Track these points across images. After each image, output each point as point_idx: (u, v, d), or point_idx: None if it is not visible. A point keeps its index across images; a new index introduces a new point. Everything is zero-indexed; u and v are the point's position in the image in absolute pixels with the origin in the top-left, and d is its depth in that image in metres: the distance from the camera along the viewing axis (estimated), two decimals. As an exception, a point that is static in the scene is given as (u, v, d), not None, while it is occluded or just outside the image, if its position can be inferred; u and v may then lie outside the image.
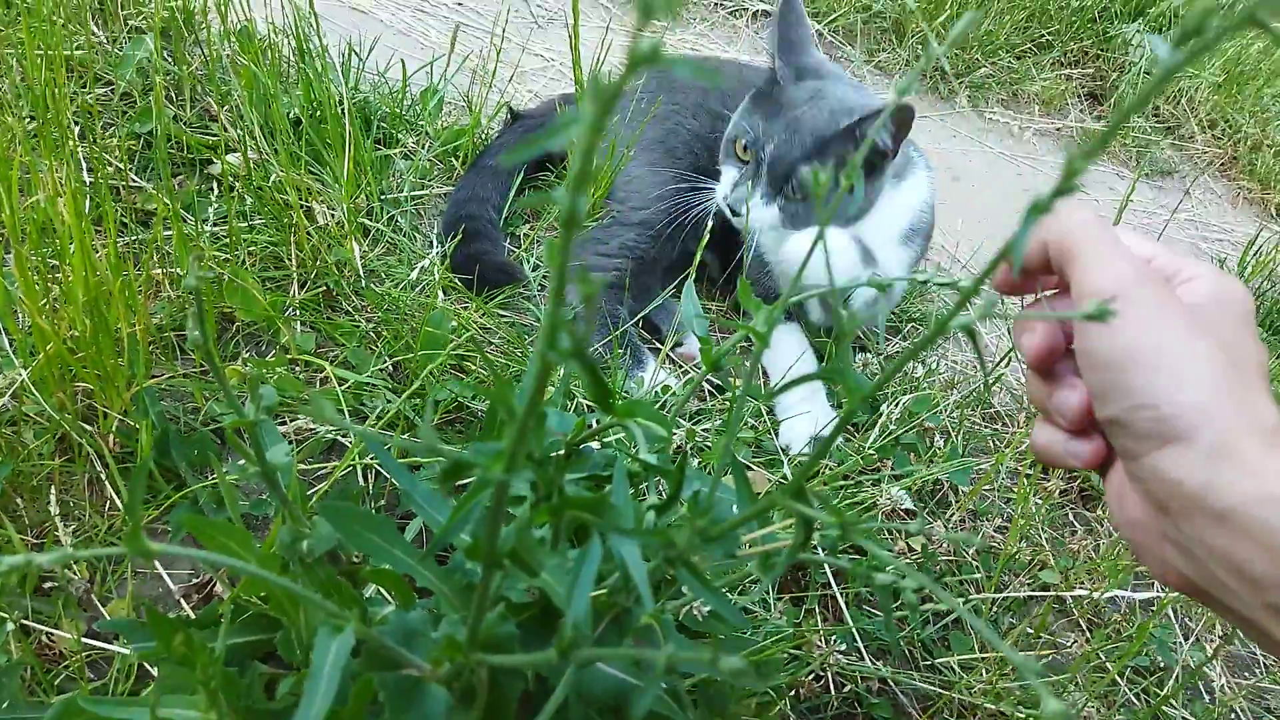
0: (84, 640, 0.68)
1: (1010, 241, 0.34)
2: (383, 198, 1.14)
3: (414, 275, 1.05)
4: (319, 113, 1.10)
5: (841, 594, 0.86)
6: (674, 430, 0.97)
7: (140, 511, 0.44)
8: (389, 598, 0.70)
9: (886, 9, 2.14)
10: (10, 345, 0.80)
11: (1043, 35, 2.21)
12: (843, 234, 1.11)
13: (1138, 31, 2.23)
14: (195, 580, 0.75)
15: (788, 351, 1.14)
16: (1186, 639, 0.95)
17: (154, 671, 0.68)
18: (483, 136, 1.31)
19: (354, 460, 0.79)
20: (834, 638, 0.81)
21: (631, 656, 0.52)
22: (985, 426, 1.12)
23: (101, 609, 0.73)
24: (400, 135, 1.25)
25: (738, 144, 1.13)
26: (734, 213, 1.12)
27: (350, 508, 0.54)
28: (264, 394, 0.54)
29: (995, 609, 0.91)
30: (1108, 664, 0.89)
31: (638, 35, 0.23)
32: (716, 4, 2.11)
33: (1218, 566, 0.38)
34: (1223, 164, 2.10)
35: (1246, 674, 0.96)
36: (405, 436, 0.87)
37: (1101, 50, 2.23)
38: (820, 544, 0.78)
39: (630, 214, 1.20)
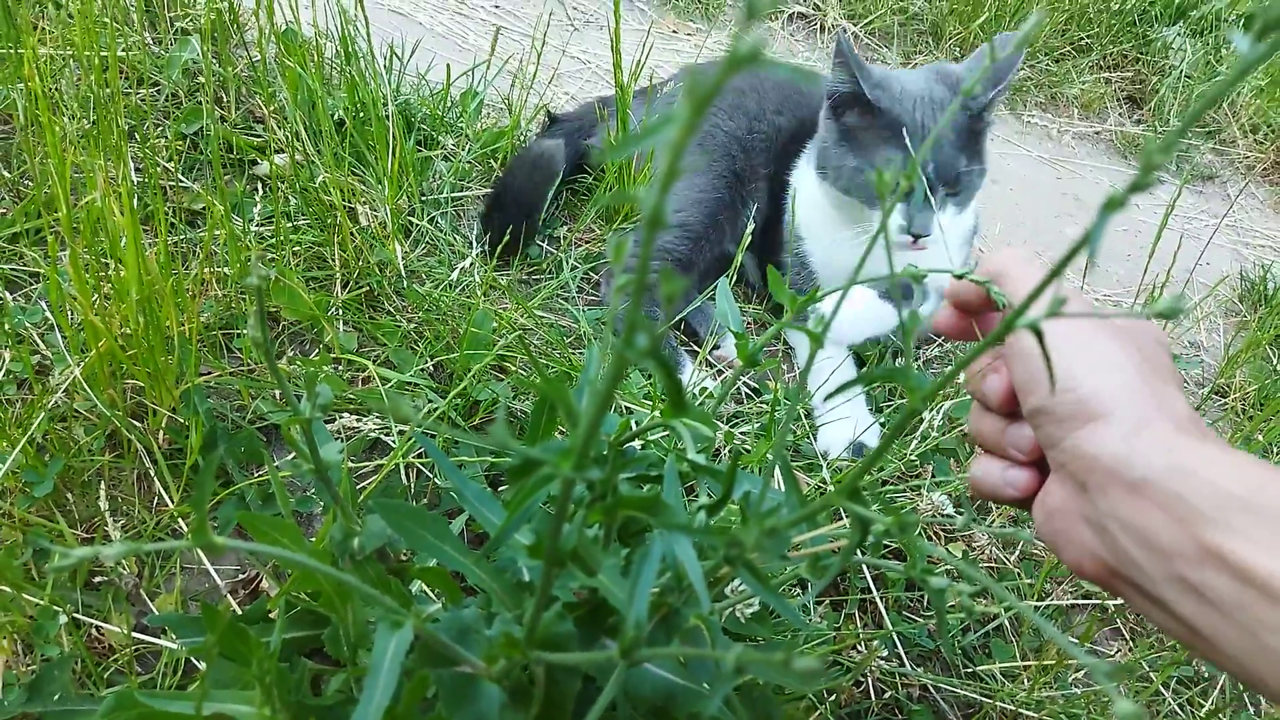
0: (133, 634, 0.69)
1: (1086, 233, 0.33)
2: (423, 198, 1.15)
3: (454, 276, 1.05)
4: (363, 114, 1.11)
5: (881, 599, 0.86)
6: (715, 431, 0.98)
7: (209, 486, 0.44)
8: (433, 596, 0.70)
9: (924, 11, 2.13)
10: (63, 341, 0.81)
11: (1082, 38, 2.19)
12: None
13: (1178, 35, 2.20)
14: (242, 576, 0.76)
15: (827, 356, 1.13)
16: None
17: (201, 666, 0.69)
18: (521, 138, 1.32)
19: (399, 458, 0.80)
20: (875, 642, 0.81)
21: (692, 659, 0.52)
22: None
23: (150, 603, 0.74)
24: (440, 137, 1.25)
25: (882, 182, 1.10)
26: (918, 236, 1.07)
27: (402, 504, 0.54)
28: (320, 392, 0.55)
29: (1038, 616, 0.90)
30: (1151, 674, 0.88)
31: (738, 37, 0.23)
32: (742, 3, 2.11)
33: (1129, 540, 0.40)
34: (1265, 169, 2.07)
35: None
36: (456, 431, 0.87)
37: (1141, 54, 2.21)
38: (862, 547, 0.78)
39: (669, 215, 1.20)
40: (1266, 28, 0.28)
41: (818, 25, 2.11)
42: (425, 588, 0.72)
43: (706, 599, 0.41)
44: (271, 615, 0.69)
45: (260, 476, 0.81)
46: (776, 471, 0.94)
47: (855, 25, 2.09)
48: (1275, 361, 1.36)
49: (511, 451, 0.33)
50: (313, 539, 0.78)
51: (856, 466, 0.43)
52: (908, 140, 1.07)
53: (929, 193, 1.06)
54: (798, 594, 0.81)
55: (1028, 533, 0.94)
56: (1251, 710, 0.92)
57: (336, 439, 0.85)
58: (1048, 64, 2.12)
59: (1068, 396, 0.43)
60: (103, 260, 0.85)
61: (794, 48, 2.05)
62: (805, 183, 1.19)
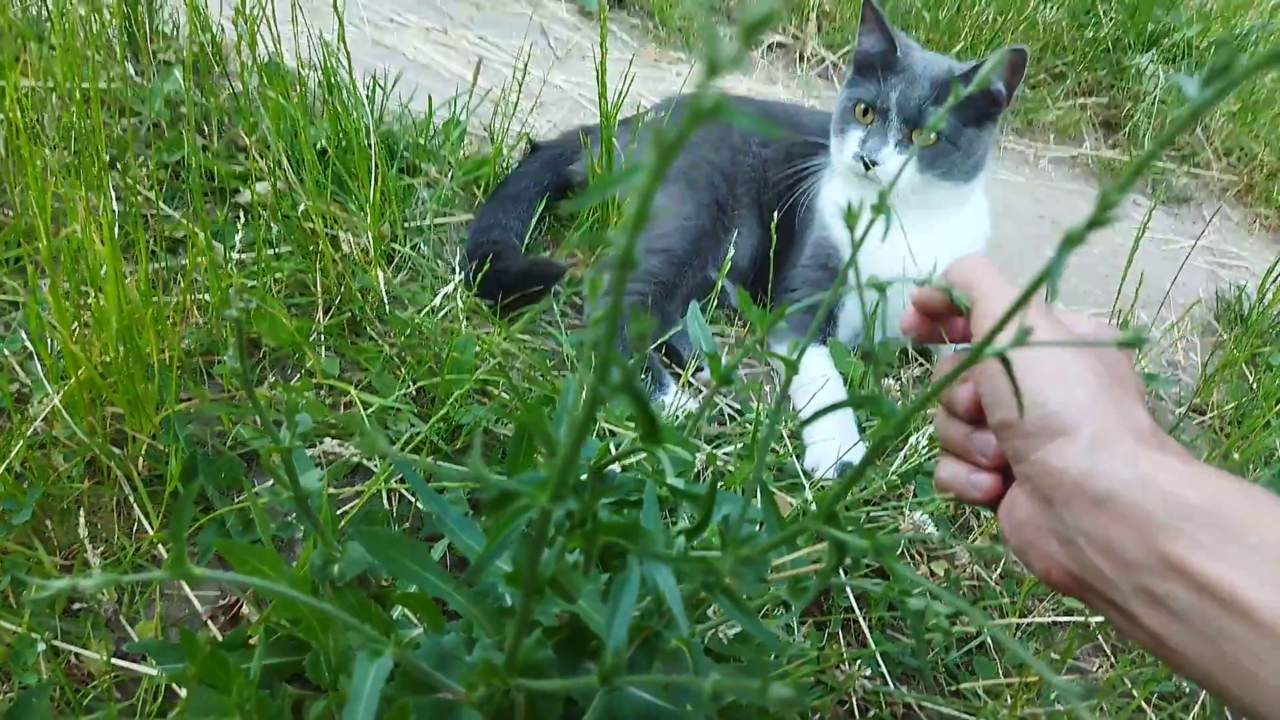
0: (112, 661, 0.69)
1: (1047, 268, 0.34)
2: (406, 225, 1.16)
3: (437, 301, 1.06)
4: (345, 143, 1.12)
5: (865, 618, 0.86)
6: (695, 454, 0.98)
7: (187, 517, 0.45)
8: (415, 620, 0.70)
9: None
10: (42, 370, 0.81)
11: (1057, 65, 2.23)
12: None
13: (1151, 62, 2.24)
14: (222, 601, 0.76)
15: (814, 375, 1.14)
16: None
17: (182, 693, 0.68)
18: (504, 166, 1.33)
19: (380, 484, 0.80)
20: (858, 662, 0.81)
21: (673, 683, 0.52)
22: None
23: (130, 630, 0.74)
24: (423, 165, 1.26)
25: (858, 108, 1.18)
26: (869, 164, 1.15)
27: (383, 532, 0.55)
28: (300, 420, 0.55)
29: (1020, 634, 0.91)
30: (1133, 690, 0.88)
31: (702, 87, 0.23)
32: (730, 36, 2.14)
33: (1095, 553, 0.41)
34: (1238, 191, 2.10)
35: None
36: (436, 461, 0.87)
37: (1115, 80, 2.25)
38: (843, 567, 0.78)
39: (654, 241, 1.21)
40: (1212, 75, 0.29)
41: (797, 54, 2.14)
42: (407, 613, 0.72)
43: (685, 623, 0.42)
44: (252, 641, 0.69)
45: (241, 503, 0.81)
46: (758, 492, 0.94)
47: (834, 54, 2.12)
48: (1252, 380, 1.37)
49: (488, 483, 0.33)
50: (294, 564, 0.78)
51: (834, 489, 0.43)
52: (879, 85, 1.15)
53: (887, 125, 1.15)
54: (780, 614, 0.81)
55: (1003, 552, 0.95)
56: (1234, 727, 0.92)
57: (318, 464, 0.85)
58: (1023, 90, 2.15)
59: (1034, 413, 0.43)
60: (83, 289, 0.85)
61: (774, 76, 2.07)
62: (828, 196, 1.25)
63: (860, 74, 1.19)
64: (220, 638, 0.73)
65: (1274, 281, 1.55)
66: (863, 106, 1.17)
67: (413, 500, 0.84)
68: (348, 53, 1.16)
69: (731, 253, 1.12)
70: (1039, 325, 0.46)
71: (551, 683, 0.44)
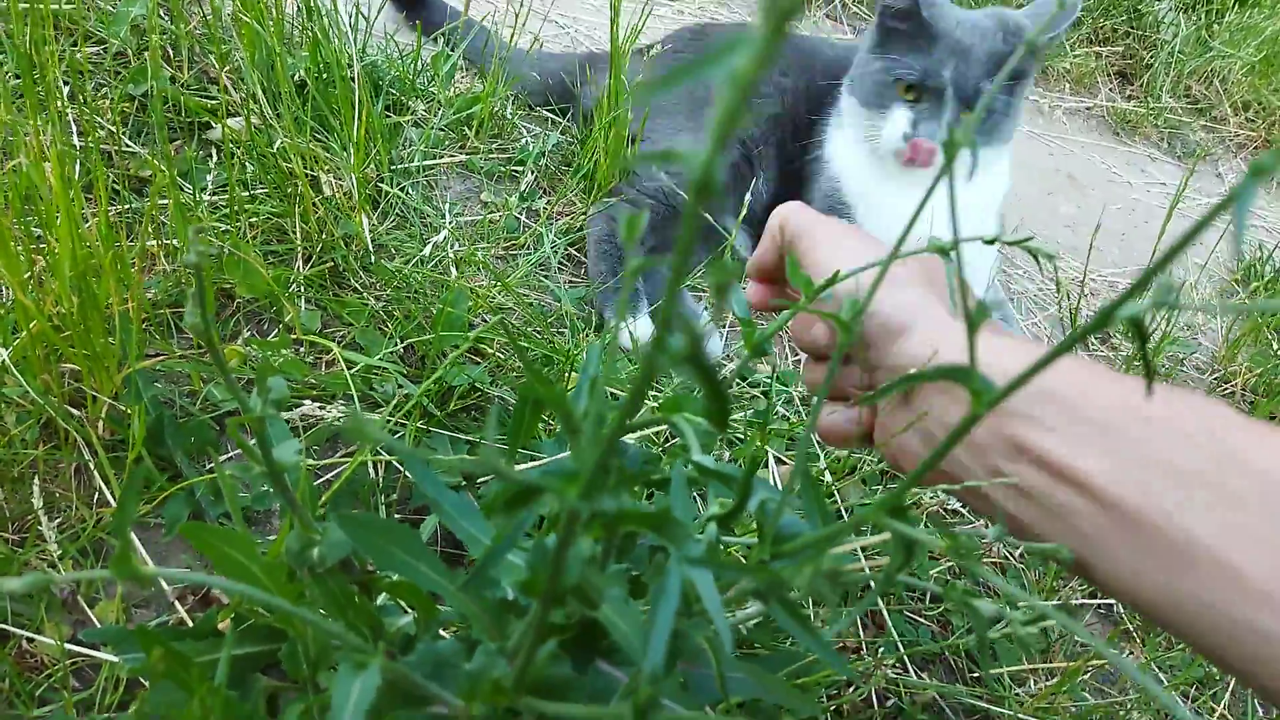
0: (68, 647, 0.62)
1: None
2: (393, 168, 1.07)
3: (427, 251, 0.98)
4: (326, 76, 1.03)
5: (883, 602, 0.81)
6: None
7: (132, 509, 0.38)
8: (405, 608, 0.64)
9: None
10: (-10, 322, 0.73)
11: (1072, 10, 2.14)
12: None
13: (1170, 9, 2.15)
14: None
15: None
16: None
17: (146, 682, 0.62)
18: (498, 105, 1.24)
19: (366, 455, 0.73)
20: (879, 650, 0.76)
21: (695, 684, 0.47)
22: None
23: (89, 611, 0.67)
24: (411, 102, 1.18)
25: (899, 85, 1.07)
26: (919, 149, 1.05)
27: (369, 517, 0.48)
28: (272, 386, 0.48)
29: (1078, 627, 0.86)
30: (1161, 675, 0.84)
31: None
32: (736, -28, 2.03)
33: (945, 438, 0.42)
34: (1256, 147, 2.03)
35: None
36: (428, 428, 0.81)
37: (1132, 28, 2.16)
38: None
39: (672, 164, 1.14)
40: None
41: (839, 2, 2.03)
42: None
43: (729, 637, 0.35)
44: (223, 627, 0.63)
45: (212, 470, 0.74)
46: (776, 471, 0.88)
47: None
48: (1277, 346, 1.32)
49: (507, 477, 0.26)
50: (273, 541, 0.71)
51: (900, 486, 0.37)
52: (924, 57, 1.04)
53: (941, 107, 1.04)
54: (805, 609, 0.76)
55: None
56: (1261, 713, 0.88)
57: (296, 430, 0.78)
58: (1038, 37, 2.06)
59: (871, 322, 0.46)
60: (35, 232, 0.77)
61: (751, 6, 1.97)
62: (839, 145, 1.16)
63: (890, 39, 1.08)
64: (189, 621, 0.67)
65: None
66: (907, 83, 1.06)
67: (401, 470, 0.77)
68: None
69: (747, 200, 1.04)
70: (856, 247, 0.49)
71: (572, 708, 0.38)
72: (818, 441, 0.94)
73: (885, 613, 0.80)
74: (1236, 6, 2.19)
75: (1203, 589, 0.36)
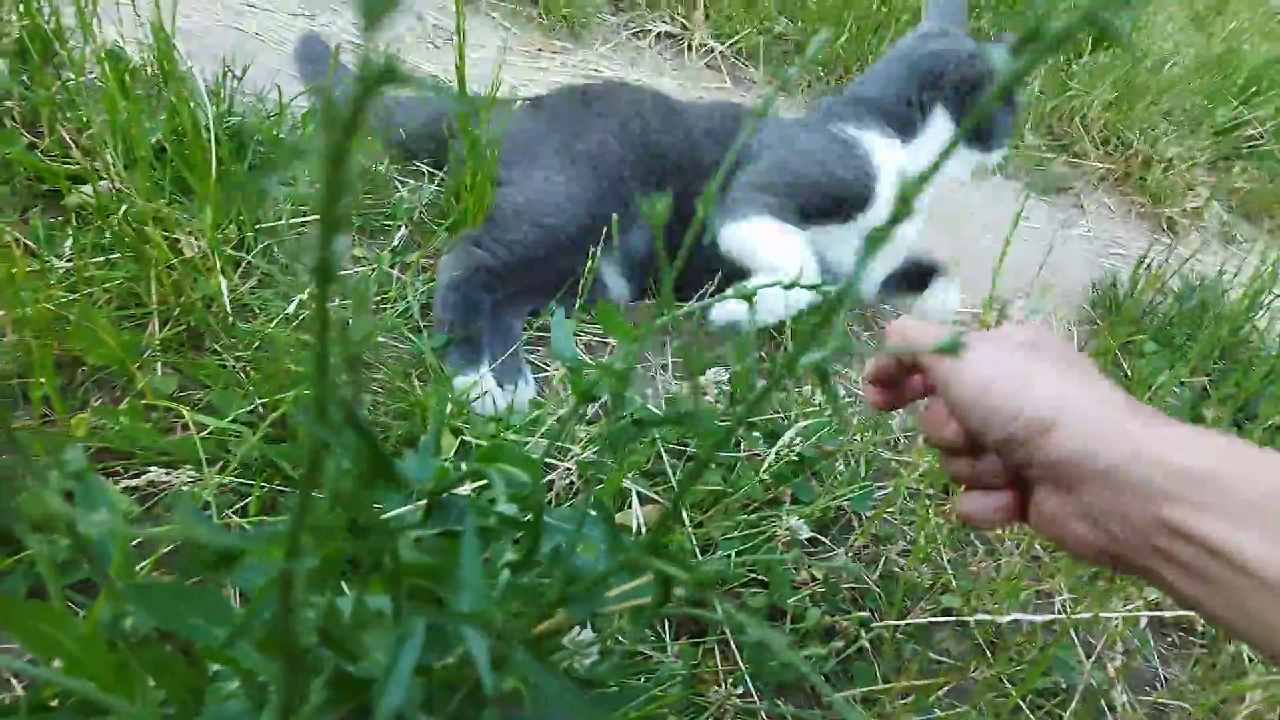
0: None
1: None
2: (258, 227, 1.08)
3: (291, 309, 0.99)
4: (184, 139, 1.04)
5: (732, 636, 0.83)
6: (561, 461, 0.94)
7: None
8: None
9: (789, 31, 2.15)
10: None
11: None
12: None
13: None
14: (28, 655, 0.68)
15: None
16: (1088, 657, 0.94)
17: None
18: (371, 161, 1.26)
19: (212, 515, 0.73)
20: (730, 680, 0.78)
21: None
22: (885, 450, 1.11)
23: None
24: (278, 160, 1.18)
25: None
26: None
27: (163, 584, 0.49)
28: (69, 460, 0.48)
29: (899, 635, 0.89)
30: (1010, 688, 0.88)
31: (368, 51, 0.19)
32: (620, 25, 2.09)
33: (1113, 523, 0.45)
34: (1116, 179, 2.16)
35: (1147, 690, 0.96)
36: (278, 487, 0.81)
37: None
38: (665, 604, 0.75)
39: (540, 215, 1.16)
40: (1024, 39, 0.26)
41: (685, 44, 2.10)
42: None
43: (490, 684, 0.37)
44: (54, 704, 0.62)
45: (57, 539, 0.73)
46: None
47: (722, 44, 2.10)
48: (1126, 369, 1.40)
49: (201, 542, 0.28)
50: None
51: (656, 524, 0.40)
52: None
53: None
54: (649, 635, 0.78)
55: (878, 569, 0.93)
56: (1109, 718, 0.92)
57: (142, 497, 0.77)
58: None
59: (1017, 423, 0.46)
60: None
61: (662, 67, 2.04)
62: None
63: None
64: (23, 693, 0.66)
65: (1145, 268, 1.59)
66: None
67: (247, 529, 0.77)
68: (165, 35, 1.07)
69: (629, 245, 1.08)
70: (980, 343, 0.51)
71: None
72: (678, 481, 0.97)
73: (734, 646, 0.83)
74: (1091, 48, 2.33)
75: None
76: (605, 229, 1.17)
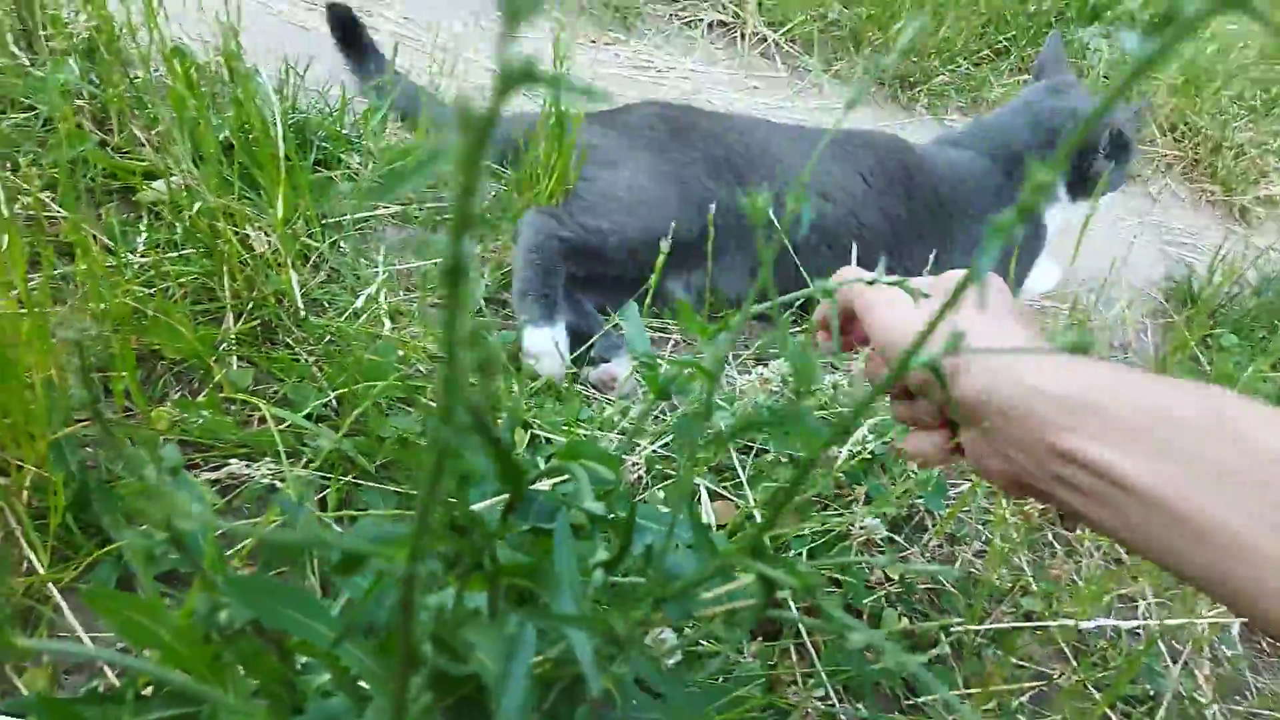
0: (-12, 721, 0.62)
1: (971, 267, 0.30)
2: (324, 222, 1.08)
3: (359, 303, 0.99)
4: (250, 135, 1.04)
5: (809, 637, 0.82)
6: (629, 456, 0.93)
7: (50, 575, 0.38)
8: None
9: (844, 19, 2.12)
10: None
11: (1000, 41, 2.20)
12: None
13: (1096, 36, 2.22)
14: (120, 644, 0.69)
15: None
16: (1174, 662, 0.92)
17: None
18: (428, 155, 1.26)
19: (275, 517, 0.73)
20: (808, 681, 0.76)
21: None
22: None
23: (15, 680, 0.67)
24: (343, 156, 1.19)
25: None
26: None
27: (263, 580, 0.48)
28: (166, 455, 0.48)
29: (979, 639, 0.87)
30: (1096, 694, 0.85)
31: (506, 49, 0.18)
32: (671, 15, 2.08)
33: (1017, 454, 0.49)
34: (1184, 167, 2.09)
35: (1238, 699, 0.93)
36: (354, 480, 0.81)
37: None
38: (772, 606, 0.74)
39: (619, 211, 1.15)
40: (1160, 21, 0.25)
41: (738, 33, 2.08)
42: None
43: (597, 682, 0.36)
44: (146, 692, 0.62)
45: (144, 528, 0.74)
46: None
47: (775, 33, 2.07)
48: (1205, 363, 1.36)
49: (328, 546, 0.27)
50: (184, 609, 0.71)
51: (759, 526, 0.38)
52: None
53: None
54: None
55: (956, 570, 0.91)
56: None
57: (223, 489, 0.78)
58: (967, 68, 2.12)
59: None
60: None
61: (714, 56, 2.02)
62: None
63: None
64: (117, 683, 0.67)
65: (1221, 260, 1.54)
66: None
67: (328, 523, 0.77)
68: (234, 31, 1.07)
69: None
70: (893, 298, 0.55)
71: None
72: (748, 480, 0.95)
73: (812, 648, 0.81)
74: (1158, 32, 2.26)
75: (1219, 559, 0.42)
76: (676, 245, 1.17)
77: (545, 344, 1.03)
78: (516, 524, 0.58)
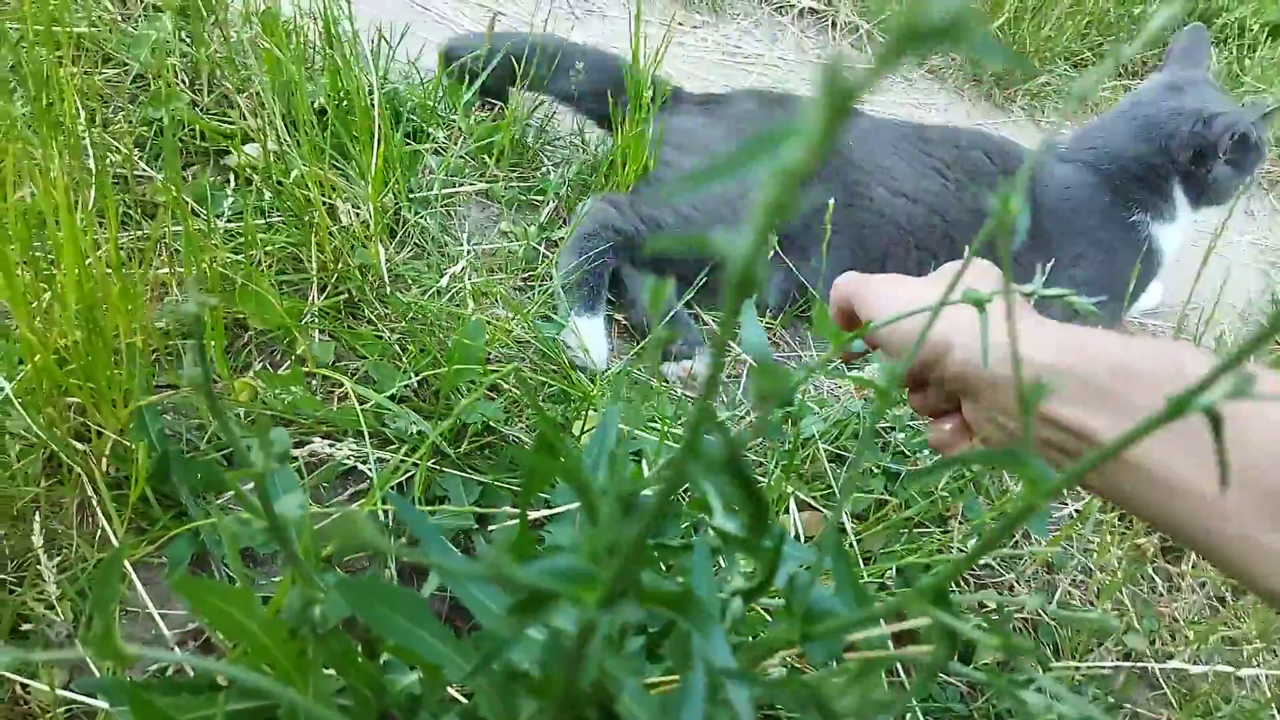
0: (65, 694, 0.60)
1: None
2: (411, 196, 1.06)
3: (444, 281, 0.96)
4: (345, 103, 1.02)
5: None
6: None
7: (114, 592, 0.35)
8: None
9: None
10: (-6, 354, 0.71)
11: (1102, 43, 2.11)
12: None
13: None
14: (193, 625, 0.67)
15: None
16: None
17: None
18: (518, 132, 1.22)
19: (375, 504, 0.70)
20: (906, 716, 0.72)
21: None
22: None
23: (88, 658, 0.65)
24: (431, 130, 1.16)
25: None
26: None
27: (371, 583, 0.45)
28: (275, 439, 0.45)
29: (1079, 677, 0.82)
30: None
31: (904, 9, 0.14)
32: (762, 0, 2.02)
33: (1010, 421, 0.51)
34: (1288, 184, 1.99)
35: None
36: (439, 467, 0.78)
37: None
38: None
39: (689, 206, 1.11)
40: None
41: (829, 21, 2.01)
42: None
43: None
44: (222, 680, 0.60)
45: (222, 504, 0.72)
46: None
47: (868, 23, 2.00)
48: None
49: (514, 582, 0.24)
50: (276, 584, 0.69)
51: (946, 570, 0.34)
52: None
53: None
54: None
55: (1097, 614, 0.86)
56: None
57: (302, 469, 0.76)
58: (1066, 69, 2.03)
59: (925, 346, 0.51)
60: (49, 260, 0.75)
61: (804, 44, 1.96)
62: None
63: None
64: (190, 670, 0.64)
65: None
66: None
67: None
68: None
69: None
70: (902, 290, 0.56)
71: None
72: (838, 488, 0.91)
73: (903, 674, 0.77)
74: (1269, 40, 2.15)
75: (1192, 512, 0.43)
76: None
77: (593, 335, 1.00)
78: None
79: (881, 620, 0.57)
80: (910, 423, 0.98)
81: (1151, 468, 0.44)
